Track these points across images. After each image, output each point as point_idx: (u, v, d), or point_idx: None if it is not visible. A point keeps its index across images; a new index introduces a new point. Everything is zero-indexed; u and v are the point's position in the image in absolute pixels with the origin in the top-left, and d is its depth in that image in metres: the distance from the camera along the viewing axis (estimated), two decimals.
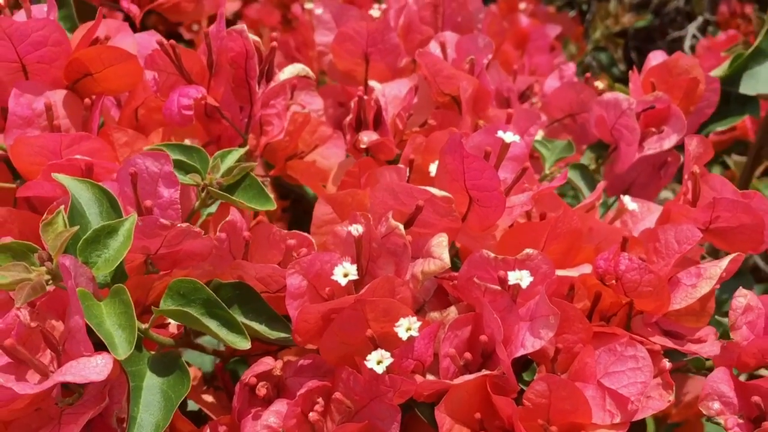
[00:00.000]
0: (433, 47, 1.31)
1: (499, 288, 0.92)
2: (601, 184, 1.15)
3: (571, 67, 1.56)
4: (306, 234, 1.01)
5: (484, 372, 0.90)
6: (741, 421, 0.88)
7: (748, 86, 1.42)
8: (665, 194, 2.17)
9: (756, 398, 0.86)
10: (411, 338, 0.90)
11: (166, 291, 0.88)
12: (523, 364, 1.01)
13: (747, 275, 1.80)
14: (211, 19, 1.66)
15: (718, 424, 0.88)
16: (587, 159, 1.53)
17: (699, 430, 1.60)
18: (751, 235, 1.04)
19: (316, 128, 1.36)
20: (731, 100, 1.47)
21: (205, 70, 1.13)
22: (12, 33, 1.02)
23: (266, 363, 0.95)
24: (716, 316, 1.06)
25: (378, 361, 0.89)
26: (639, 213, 1.16)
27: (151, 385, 0.86)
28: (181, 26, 2.69)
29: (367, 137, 1.20)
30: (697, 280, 0.95)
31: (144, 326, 0.89)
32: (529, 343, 0.89)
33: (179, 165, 1.00)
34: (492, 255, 0.94)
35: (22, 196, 1.02)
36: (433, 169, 1.11)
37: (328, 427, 0.91)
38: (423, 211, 0.97)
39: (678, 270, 0.98)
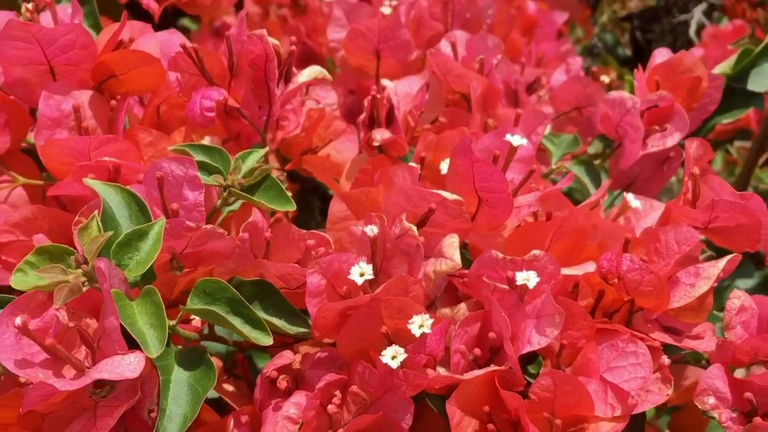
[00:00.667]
0: (444, 46, 1.35)
1: (507, 287, 0.97)
2: (605, 183, 1.19)
3: (578, 61, 1.60)
4: (323, 233, 1.06)
5: (493, 367, 0.95)
6: (734, 415, 0.93)
7: (756, 83, 1.46)
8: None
9: (748, 394, 0.91)
10: (424, 335, 0.95)
11: (192, 290, 0.93)
12: (529, 357, 1.07)
13: (747, 263, 1.84)
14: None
15: (713, 418, 0.94)
16: (595, 148, 1.57)
17: (697, 413, 1.65)
18: (749, 234, 1.09)
19: (331, 123, 1.40)
20: (736, 93, 1.51)
21: (226, 71, 1.17)
22: (41, 38, 1.06)
23: (286, 357, 1.01)
24: (714, 311, 1.10)
25: (392, 356, 0.94)
26: (642, 210, 1.20)
27: (179, 378, 0.91)
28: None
29: (380, 135, 1.25)
30: (695, 279, 1.00)
31: (172, 323, 0.94)
32: (536, 341, 0.94)
33: (202, 166, 1.05)
34: (501, 255, 0.99)
35: (53, 194, 1.07)
36: (444, 167, 1.16)
37: (345, 418, 0.96)
38: (435, 212, 1.02)
39: (678, 268, 1.03)
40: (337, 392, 0.97)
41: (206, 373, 0.92)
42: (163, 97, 1.20)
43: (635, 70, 1.37)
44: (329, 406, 0.93)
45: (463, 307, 1.04)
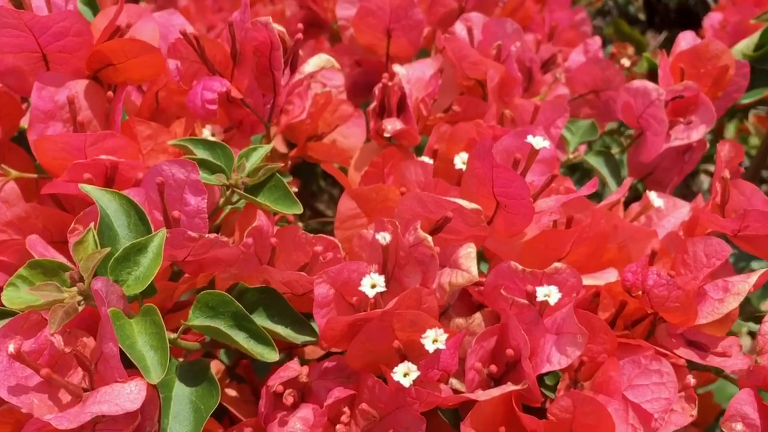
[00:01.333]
0: (459, 29, 1.29)
1: (526, 302, 0.92)
2: (627, 181, 1.13)
3: (596, 42, 1.53)
4: (331, 238, 1.01)
5: (510, 387, 0.90)
6: None
7: None
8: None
9: None
10: (437, 350, 0.90)
11: (194, 303, 0.89)
12: None
13: None
14: None
15: None
16: (609, 126, 1.51)
17: (709, 398, 1.61)
18: None
19: (337, 107, 1.33)
20: (756, 72, 1.45)
21: (228, 58, 1.10)
22: (33, 25, 0.99)
23: (292, 369, 0.96)
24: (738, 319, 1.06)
25: (405, 373, 0.90)
26: (664, 209, 1.15)
27: (180, 395, 0.87)
28: None
29: (391, 126, 1.19)
30: (724, 294, 0.95)
31: (172, 336, 0.90)
32: (555, 360, 0.89)
33: (204, 163, 0.99)
34: (519, 267, 0.94)
35: (46, 193, 1.01)
36: (458, 160, 1.10)
37: None
38: (452, 219, 0.96)
39: (707, 280, 0.98)
40: (346, 409, 0.92)
41: (209, 390, 0.87)
42: (162, 83, 1.14)
43: (660, 56, 1.30)
44: (338, 426, 0.89)
45: (478, 318, 0.99)
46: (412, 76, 1.26)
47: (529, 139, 0.99)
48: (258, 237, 0.97)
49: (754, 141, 2.34)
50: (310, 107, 1.27)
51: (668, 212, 1.15)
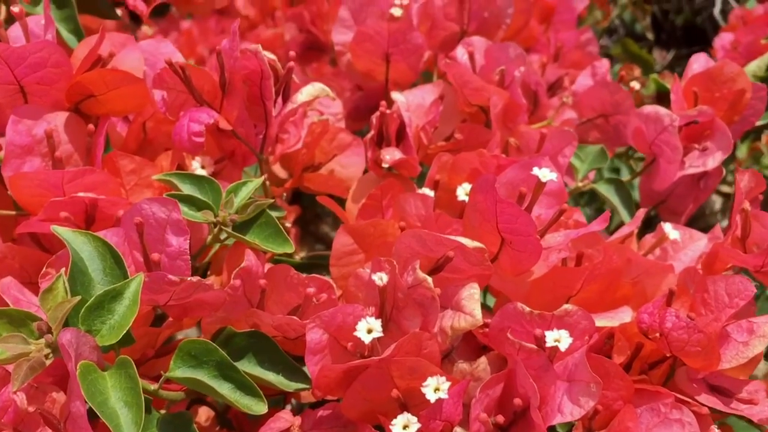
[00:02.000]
0: (461, 54, 1.23)
1: (535, 347, 0.85)
2: (641, 212, 1.07)
3: (604, 64, 1.46)
4: (325, 278, 0.95)
5: None
6: None
7: None
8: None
9: None
10: (439, 399, 0.84)
11: (176, 352, 0.82)
12: None
13: None
14: None
15: None
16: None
17: None
18: None
19: (335, 136, 1.27)
20: None
21: (217, 88, 1.04)
22: (8, 56, 0.94)
23: (284, 419, 0.89)
24: None
25: (404, 425, 0.83)
26: (681, 241, 1.08)
27: None
28: None
29: (390, 156, 1.12)
30: (749, 336, 0.88)
31: (153, 387, 0.83)
32: (568, 411, 0.82)
33: (190, 200, 0.93)
34: (527, 309, 0.87)
35: (22, 232, 0.95)
36: (460, 192, 1.04)
37: None
38: (453, 258, 0.90)
39: (730, 321, 0.91)
40: None
41: None
42: (149, 113, 1.08)
43: (672, 81, 1.24)
44: None
45: (483, 362, 0.92)
46: (412, 102, 1.20)
47: (535, 171, 0.93)
48: (246, 278, 0.91)
49: (767, 161, 2.28)
50: (306, 136, 1.21)
51: (685, 245, 1.09)
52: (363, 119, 1.50)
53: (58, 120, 0.99)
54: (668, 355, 0.91)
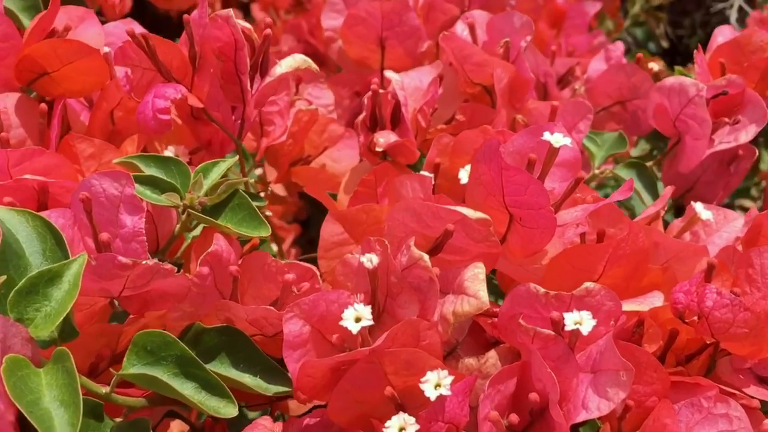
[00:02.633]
0: (460, 29, 1.12)
1: (552, 333, 0.73)
2: (668, 190, 0.95)
3: (619, 47, 1.35)
4: (308, 264, 0.82)
5: None
6: None
7: None
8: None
9: None
10: (441, 397, 0.71)
11: (129, 346, 0.70)
12: None
13: None
14: None
15: None
16: (640, 150, 1.33)
17: None
18: None
19: (326, 127, 1.16)
20: None
21: (186, 63, 0.94)
22: None
23: (263, 427, 0.77)
24: None
25: (400, 428, 0.70)
26: (714, 223, 0.96)
27: None
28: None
29: (384, 138, 1.01)
30: None
31: (105, 389, 0.71)
32: (594, 405, 0.70)
33: (153, 182, 0.82)
34: (541, 290, 0.75)
35: None
36: (463, 175, 0.92)
37: None
38: (454, 234, 0.77)
39: None
40: None
41: None
42: (115, 100, 0.97)
43: (695, 51, 1.12)
44: None
45: (492, 356, 0.79)
46: (409, 85, 1.09)
47: (546, 136, 0.81)
48: (216, 265, 0.78)
49: None
50: (292, 126, 1.10)
51: (719, 226, 0.96)
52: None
53: (8, 101, 0.89)
54: (709, 342, 0.78)
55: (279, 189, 1.37)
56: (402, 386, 0.74)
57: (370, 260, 0.75)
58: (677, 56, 3.87)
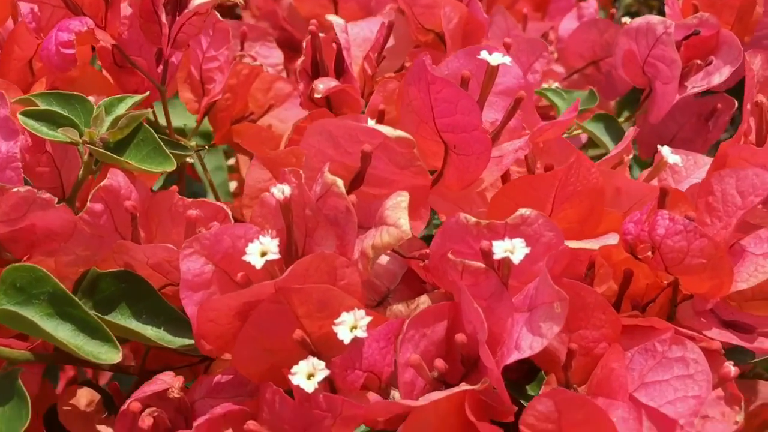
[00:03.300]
0: None
1: (482, 266, 0.64)
2: (631, 131, 0.86)
3: (592, 4, 1.27)
4: (218, 203, 0.74)
5: (463, 387, 0.61)
6: None
7: None
8: None
9: None
10: (357, 340, 0.62)
11: None
12: (527, 374, 0.73)
13: None
14: None
15: None
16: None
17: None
18: None
19: (271, 85, 1.08)
20: None
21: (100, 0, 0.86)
22: None
23: (161, 381, 0.68)
24: None
25: (309, 374, 0.62)
26: (683, 168, 0.87)
27: None
28: None
29: (324, 84, 0.93)
30: None
31: None
32: (526, 343, 0.61)
33: (50, 117, 0.74)
34: (473, 220, 0.66)
35: None
36: None
37: None
38: (376, 161, 0.69)
39: (741, 236, 0.70)
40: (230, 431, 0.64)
41: (17, 411, 0.60)
42: (29, 46, 0.89)
43: None
44: None
45: (425, 301, 0.71)
46: (358, 35, 1.01)
47: (484, 55, 0.72)
48: (113, 203, 0.70)
49: None
50: (230, 78, 1.02)
51: (688, 172, 0.87)
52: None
53: None
54: (666, 284, 0.69)
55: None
56: (318, 332, 0.66)
57: (282, 191, 0.67)
58: None
